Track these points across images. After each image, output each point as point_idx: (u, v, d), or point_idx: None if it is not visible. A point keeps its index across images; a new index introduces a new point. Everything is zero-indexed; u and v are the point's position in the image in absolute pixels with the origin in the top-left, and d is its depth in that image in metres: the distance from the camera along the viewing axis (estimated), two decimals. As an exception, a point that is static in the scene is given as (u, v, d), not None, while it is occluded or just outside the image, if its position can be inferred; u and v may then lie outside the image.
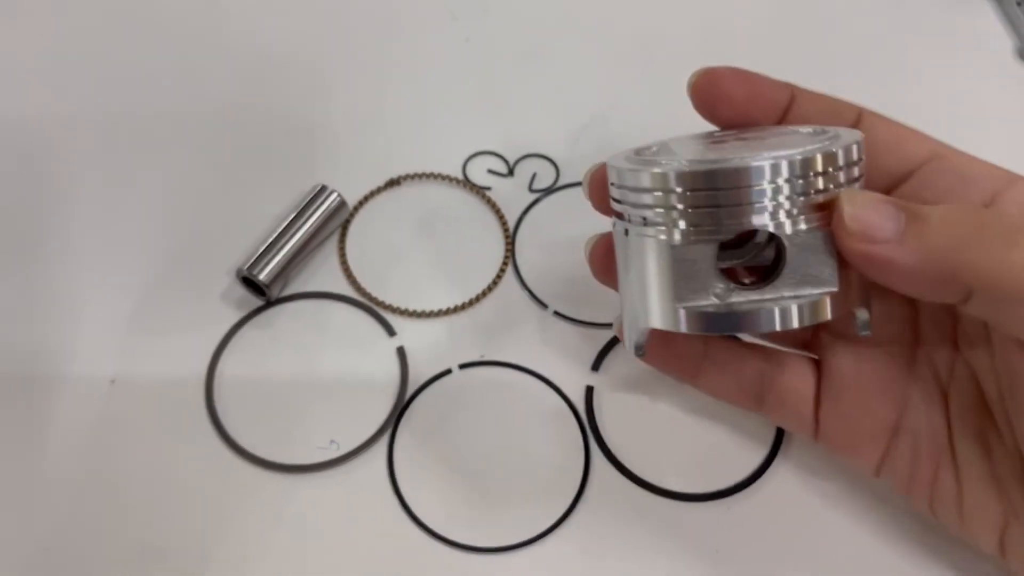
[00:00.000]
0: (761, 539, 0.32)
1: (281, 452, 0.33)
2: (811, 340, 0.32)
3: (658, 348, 0.30)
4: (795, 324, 0.25)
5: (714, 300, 0.25)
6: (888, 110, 0.30)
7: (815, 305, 0.25)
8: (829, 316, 0.25)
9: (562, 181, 0.41)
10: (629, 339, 0.28)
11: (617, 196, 0.27)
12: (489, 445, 0.34)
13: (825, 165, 0.24)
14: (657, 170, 0.25)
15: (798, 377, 0.31)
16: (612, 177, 0.28)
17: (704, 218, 0.25)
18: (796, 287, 0.25)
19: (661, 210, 0.25)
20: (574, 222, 0.40)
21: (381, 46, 0.46)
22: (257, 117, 0.43)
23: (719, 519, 0.33)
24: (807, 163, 0.24)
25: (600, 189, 0.30)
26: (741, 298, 0.25)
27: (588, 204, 0.41)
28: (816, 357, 0.31)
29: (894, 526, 0.32)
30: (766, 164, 0.24)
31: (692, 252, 0.25)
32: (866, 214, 0.23)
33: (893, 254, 0.23)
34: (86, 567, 0.31)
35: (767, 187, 0.24)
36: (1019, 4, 0.49)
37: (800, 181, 0.24)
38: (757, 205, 0.24)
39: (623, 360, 0.36)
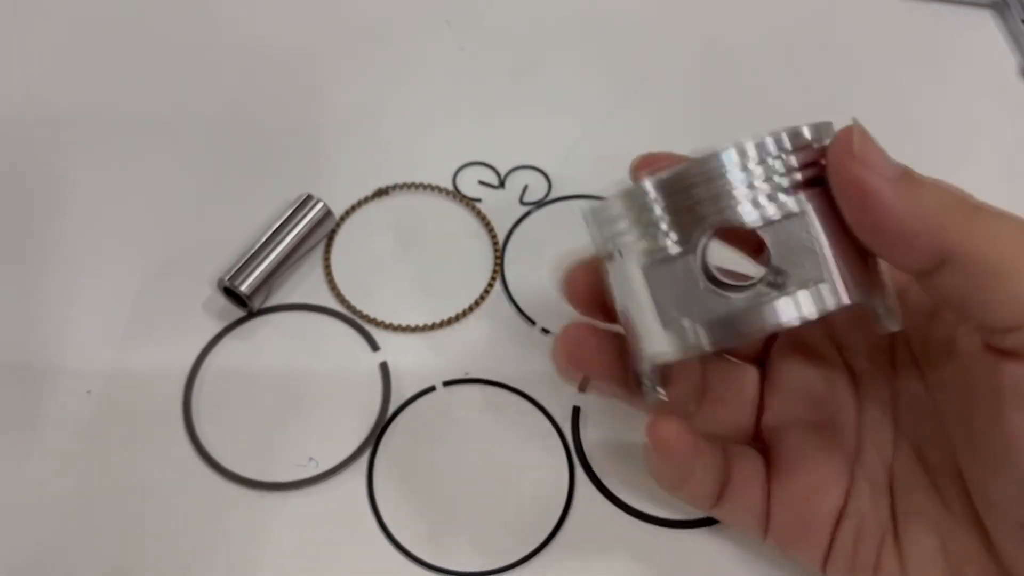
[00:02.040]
0: (745, 567, 0.32)
1: (259, 469, 0.33)
2: (756, 430, 0.31)
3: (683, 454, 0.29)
4: (803, 313, 0.24)
5: (713, 308, 0.24)
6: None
7: (817, 294, 0.24)
8: (832, 305, 0.24)
9: (554, 194, 0.41)
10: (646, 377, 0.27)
11: (601, 235, 0.27)
12: (472, 466, 0.33)
13: (795, 143, 0.24)
14: (625, 188, 0.25)
15: (752, 468, 0.30)
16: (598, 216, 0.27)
17: (680, 223, 0.24)
18: (792, 278, 0.24)
19: (636, 226, 0.25)
20: (565, 236, 0.39)
21: (373, 52, 0.45)
22: (245, 124, 0.42)
23: (704, 546, 0.32)
24: (779, 140, 0.24)
25: (578, 286, 0.30)
26: (739, 296, 0.24)
27: (580, 217, 0.40)
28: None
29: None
30: (731, 149, 0.23)
31: (677, 264, 0.24)
32: (873, 146, 0.23)
33: (885, 191, 0.23)
34: (54, 585, 0.30)
35: (736, 175, 0.23)
36: (1024, 22, 0.48)
37: (773, 161, 0.23)
38: (733, 195, 0.23)
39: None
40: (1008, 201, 0.26)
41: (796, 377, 0.31)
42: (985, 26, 0.49)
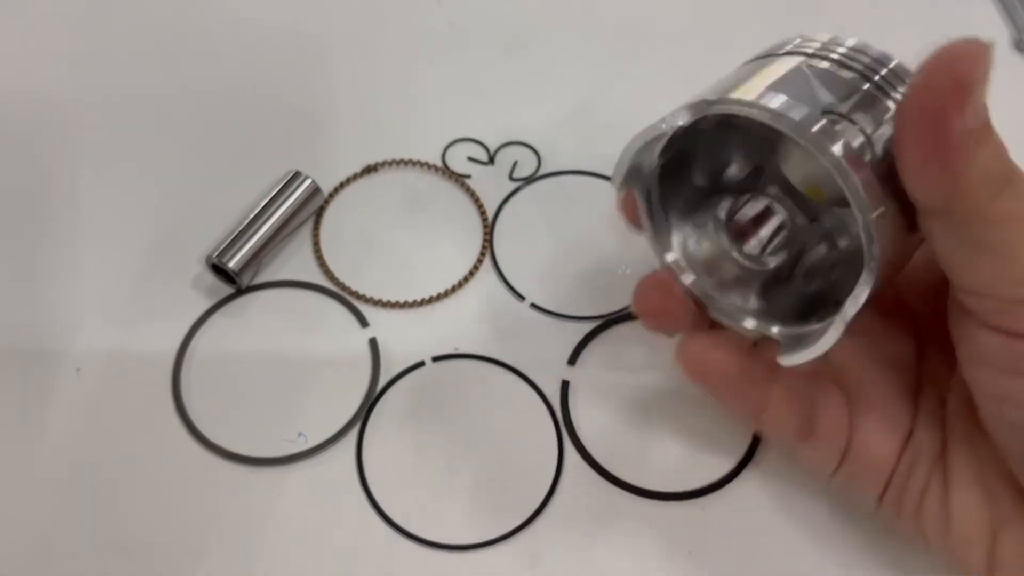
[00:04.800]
0: (735, 541, 0.32)
1: (248, 444, 0.33)
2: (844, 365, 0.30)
3: (725, 378, 0.29)
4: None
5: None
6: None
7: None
8: None
9: (544, 170, 0.40)
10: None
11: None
12: (460, 440, 0.33)
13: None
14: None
15: (839, 405, 0.29)
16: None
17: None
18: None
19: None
20: (555, 212, 0.40)
21: (362, 29, 0.45)
22: (234, 101, 0.42)
23: (693, 519, 0.32)
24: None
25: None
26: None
27: (569, 196, 0.40)
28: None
29: (866, 530, 0.32)
30: None
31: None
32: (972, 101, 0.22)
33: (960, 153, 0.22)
34: (45, 561, 0.30)
35: None
36: (1018, -7, 0.48)
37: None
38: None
39: (600, 355, 0.35)
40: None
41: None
42: (979, -2, 0.49)
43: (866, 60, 0.26)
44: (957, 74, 0.22)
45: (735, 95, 0.24)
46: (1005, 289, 0.23)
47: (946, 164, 0.22)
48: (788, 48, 0.27)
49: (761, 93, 0.24)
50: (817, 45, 0.26)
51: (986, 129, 0.23)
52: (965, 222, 0.23)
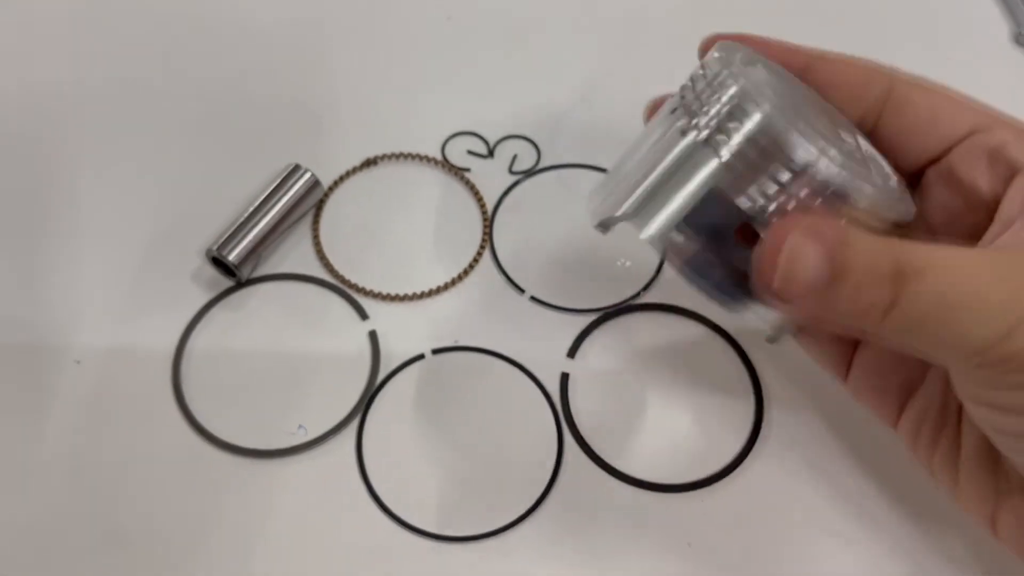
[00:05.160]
0: (734, 532, 0.32)
1: (248, 436, 0.33)
2: None
3: None
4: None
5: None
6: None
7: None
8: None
9: (543, 163, 0.40)
10: (597, 212, 0.26)
11: (697, 91, 0.26)
12: (460, 432, 0.33)
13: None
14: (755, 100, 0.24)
15: None
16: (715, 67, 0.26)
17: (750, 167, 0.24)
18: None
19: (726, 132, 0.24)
20: (554, 206, 0.40)
21: (360, 22, 0.45)
22: (233, 95, 0.42)
23: (693, 511, 0.32)
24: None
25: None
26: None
27: (568, 189, 0.40)
28: None
29: (867, 526, 0.32)
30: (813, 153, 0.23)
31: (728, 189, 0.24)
32: (795, 279, 0.22)
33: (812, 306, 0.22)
34: (45, 554, 0.30)
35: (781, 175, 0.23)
36: (1017, -12, 0.48)
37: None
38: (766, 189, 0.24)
39: (600, 348, 0.35)
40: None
41: None
42: (978, -7, 0.49)
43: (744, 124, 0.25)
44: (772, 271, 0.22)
45: (657, 219, 0.25)
46: (956, 376, 0.24)
47: (813, 317, 0.23)
48: (691, 131, 0.25)
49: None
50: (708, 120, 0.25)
51: (835, 275, 0.22)
52: (874, 337, 0.23)
